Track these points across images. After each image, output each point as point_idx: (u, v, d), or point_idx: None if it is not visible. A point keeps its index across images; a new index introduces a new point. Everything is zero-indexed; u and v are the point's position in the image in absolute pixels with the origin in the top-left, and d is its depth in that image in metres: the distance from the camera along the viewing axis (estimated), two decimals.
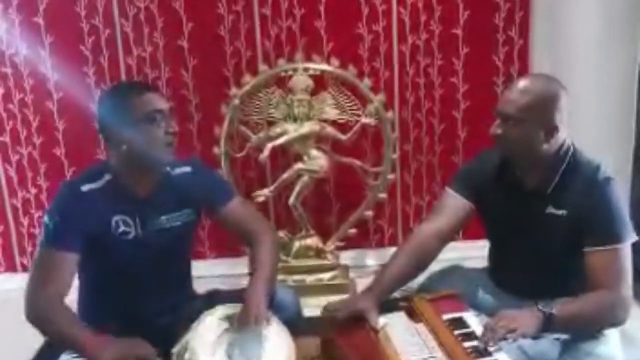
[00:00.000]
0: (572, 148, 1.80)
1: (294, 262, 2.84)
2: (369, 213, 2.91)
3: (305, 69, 2.69)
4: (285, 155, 2.90)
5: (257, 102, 2.73)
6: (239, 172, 2.98)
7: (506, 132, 1.75)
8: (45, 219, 1.71)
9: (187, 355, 1.60)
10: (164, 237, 1.82)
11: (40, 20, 2.82)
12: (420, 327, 1.71)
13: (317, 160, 2.72)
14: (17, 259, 3.09)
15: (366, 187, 2.92)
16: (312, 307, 2.16)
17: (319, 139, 2.75)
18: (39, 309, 1.66)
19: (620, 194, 1.80)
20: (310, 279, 2.81)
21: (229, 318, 1.69)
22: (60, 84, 2.89)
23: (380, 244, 3.17)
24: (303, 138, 2.70)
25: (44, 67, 2.87)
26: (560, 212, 1.78)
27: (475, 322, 1.71)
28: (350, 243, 3.03)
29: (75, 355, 1.68)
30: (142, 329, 1.71)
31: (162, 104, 1.75)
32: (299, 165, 2.75)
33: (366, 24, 2.89)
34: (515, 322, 1.61)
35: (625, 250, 1.73)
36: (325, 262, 2.85)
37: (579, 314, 1.69)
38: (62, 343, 1.69)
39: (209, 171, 2.01)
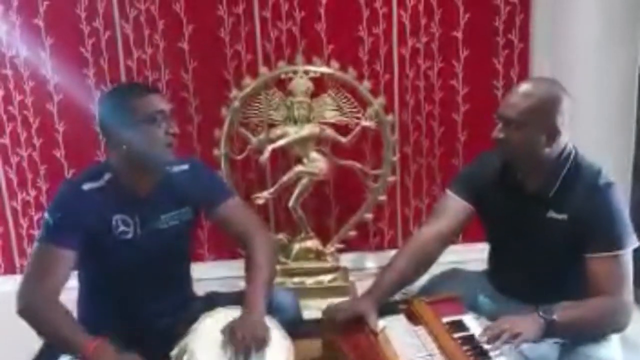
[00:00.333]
0: (573, 152, 1.80)
1: (293, 265, 2.84)
2: (369, 215, 2.91)
3: (306, 72, 2.69)
4: (285, 158, 2.90)
5: (257, 105, 2.73)
6: (239, 174, 2.98)
7: (508, 136, 1.75)
8: (46, 215, 1.72)
9: (186, 357, 1.60)
10: (162, 237, 1.82)
11: (41, 22, 2.82)
12: (420, 330, 1.71)
13: (317, 163, 2.72)
14: (17, 261, 3.09)
15: (366, 189, 2.92)
16: (311, 309, 2.16)
17: (319, 142, 2.75)
18: (34, 305, 1.66)
19: (622, 199, 1.80)
20: (309, 281, 2.81)
21: (229, 328, 1.67)
22: (60, 86, 2.89)
23: (380, 247, 3.17)
24: (303, 140, 2.70)
25: (44, 69, 2.87)
26: (561, 216, 1.77)
27: (474, 325, 1.71)
28: (350, 245, 3.03)
29: (73, 358, 1.68)
30: (142, 330, 1.72)
31: (163, 105, 1.76)
32: (299, 168, 2.75)
33: (366, 27, 2.89)
34: (517, 328, 1.61)
35: (627, 256, 1.73)
36: (325, 264, 2.85)
37: (580, 320, 1.69)
38: (56, 342, 1.68)
39: (207, 169, 2.01)
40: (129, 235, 1.77)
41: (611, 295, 1.70)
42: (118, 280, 1.78)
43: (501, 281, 1.97)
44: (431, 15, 2.90)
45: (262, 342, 1.62)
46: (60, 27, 2.83)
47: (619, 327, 1.75)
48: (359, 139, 2.80)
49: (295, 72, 2.69)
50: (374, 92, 2.75)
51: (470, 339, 1.65)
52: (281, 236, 2.90)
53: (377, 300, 1.78)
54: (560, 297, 1.74)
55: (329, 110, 2.74)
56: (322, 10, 2.86)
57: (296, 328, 1.83)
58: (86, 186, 1.73)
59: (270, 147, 2.67)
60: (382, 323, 1.72)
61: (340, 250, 2.94)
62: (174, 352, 1.65)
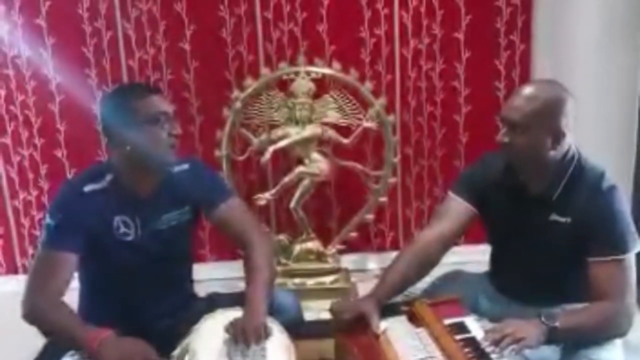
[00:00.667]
0: (577, 154, 1.80)
1: (294, 266, 2.84)
2: (370, 216, 2.91)
3: (307, 73, 2.68)
4: (286, 159, 2.89)
5: (259, 105, 2.73)
6: (241, 175, 2.98)
7: (513, 140, 1.74)
8: (47, 219, 1.71)
9: (187, 358, 1.60)
10: (163, 238, 1.82)
11: (43, 22, 2.82)
12: (421, 331, 1.71)
13: (319, 164, 2.72)
14: (18, 261, 3.09)
15: (367, 190, 2.92)
16: (312, 310, 2.17)
17: (321, 143, 2.75)
18: (39, 309, 1.67)
19: (625, 202, 1.79)
20: (311, 282, 2.81)
21: (230, 323, 1.67)
22: (62, 86, 2.89)
23: (382, 248, 3.17)
24: (304, 141, 2.70)
25: (46, 69, 2.87)
26: (564, 219, 1.77)
27: (476, 327, 1.71)
28: (351, 246, 3.03)
29: (77, 356, 1.68)
30: (143, 331, 1.71)
31: (167, 107, 1.76)
32: (300, 169, 2.74)
33: (368, 28, 2.89)
34: (521, 332, 1.61)
35: (630, 259, 1.73)
36: (326, 265, 2.85)
37: (582, 326, 1.69)
38: (66, 342, 1.68)
39: (208, 169, 2.01)
40: (130, 237, 1.77)
41: (613, 300, 1.70)
42: (119, 281, 1.78)
43: (503, 283, 1.97)
44: (433, 17, 2.90)
45: (262, 344, 1.62)
46: (62, 27, 2.84)
47: (620, 332, 1.74)
48: (361, 140, 2.80)
49: (296, 73, 2.69)
50: (376, 93, 2.75)
51: (471, 341, 1.65)
52: (282, 237, 2.90)
53: (379, 302, 1.78)
54: (562, 299, 1.74)
55: (331, 111, 2.74)
56: (323, 11, 2.86)
57: (297, 329, 1.83)
58: (87, 188, 1.73)
59: (271, 148, 2.67)
60: (383, 324, 1.72)
61: (341, 252, 2.94)
62: (175, 353, 1.65)
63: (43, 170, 3.00)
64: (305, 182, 2.75)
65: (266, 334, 1.65)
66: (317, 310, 2.43)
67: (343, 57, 2.79)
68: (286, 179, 2.77)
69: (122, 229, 1.77)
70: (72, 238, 1.69)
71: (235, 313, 1.71)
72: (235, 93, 2.72)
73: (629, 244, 1.73)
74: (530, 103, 1.72)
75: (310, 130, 2.69)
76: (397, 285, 1.84)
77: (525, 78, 2.96)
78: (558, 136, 1.73)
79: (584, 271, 1.73)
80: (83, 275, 1.84)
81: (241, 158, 2.82)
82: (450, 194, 1.97)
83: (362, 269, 3.10)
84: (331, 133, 2.72)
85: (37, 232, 3.00)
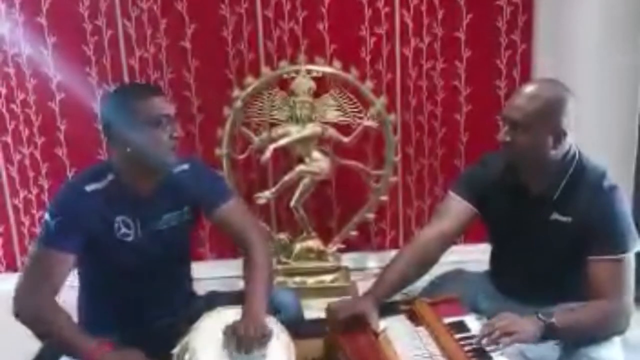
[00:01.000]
0: (578, 153, 1.80)
1: (295, 264, 2.84)
2: (371, 215, 2.91)
3: (308, 71, 2.68)
4: (287, 157, 2.89)
5: (260, 104, 2.73)
6: (241, 174, 2.98)
7: (515, 139, 1.74)
8: (47, 217, 1.70)
9: (187, 356, 1.60)
10: (163, 238, 1.82)
11: (43, 21, 2.82)
12: (421, 330, 1.71)
13: (319, 162, 2.72)
14: (18, 259, 3.09)
15: (368, 189, 2.92)
16: (312, 309, 2.16)
17: (321, 141, 2.75)
18: (33, 308, 1.66)
19: (626, 202, 1.79)
20: (311, 281, 2.81)
21: (229, 327, 1.67)
22: (62, 85, 2.89)
23: (382, 247, 3.17)
24: (305, 140, 2.70)
25: (47, 67, 2.87)
26: (565, 218, 1.77)
27: (476, 326, 1.71)
28: (351, 245, 3.03)
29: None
30: (143, 329, 1.72)
31: (168, 109, 1.76)
32: (300, 167, 2.74)
33: (369, 27, 2.89)
34: (514, 326, 1.61)
35: (629, 259, 1.73)
36: (327, 264, 2.85)
37: (579, 324, 1.69)
38: (58, 345, 1.68)
39: (207, 169, 2.01)
40: (130, 237, 1.77)
41: (611, 299, 1.70)
42: (119, 281, 1.78)
43: (503, 282, 1.97)
44: (434, 16, 2.90)
45: (263, 342, 1.62)
46: (62, 26, 2.84)
47: (617, 331, 1.75)
48: (361, 139, 2.80)
49: (297, 72, 2.69)
50: (376, 92, 2.75)
51: (471, 340, 1.65)
52: (283, 236, 2.90)
53: (378, 300, 1.78)
54: (562, 299, 1.74)
55: (331, 109, 2.74)
56: (324, 10, 2.86)
57: (298, 328, 1.83)
58: (89, 187, 1.72)
59: (272, 147, 2.67)
60: (383, 323, 1.72)
61: (341, 250, 2.94)
62: (175, 351, 1.65)
63: (43, 168, 3.00)
64: (306, 180, 2.75)
65: (266, 335, 1.64)
66: (317, 309, 2.43)
67: (344, 56, 2.79)
68: (286, 178, 2.77)
69: (123, 229, 1.76)
70: (71, 238, 1.68)
71: (235, 311, 1.71)
72: (236, 92, 2.72)
73: (628, 243, 1.73)
74: (531, 102, 1.72)
75: (310, 129, 2.69)
76: (396, 283, 1.84)
77: (526, 77, 2.95)
78: (559, 135, 1.73)
79: (584, 271, 1.73)
80: (83, 274, 1.84)
81: (242, 157, 2.82)
82: (451, 193, 1.97)
83: (363, 267, 3.10)
84: (332, 132, 2.72)
85: (38, 230, 3.00)
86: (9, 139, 2.96)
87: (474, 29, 2.91)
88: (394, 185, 2.92)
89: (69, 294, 1.73)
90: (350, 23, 2.88)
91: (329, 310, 1.82)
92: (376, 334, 1.69)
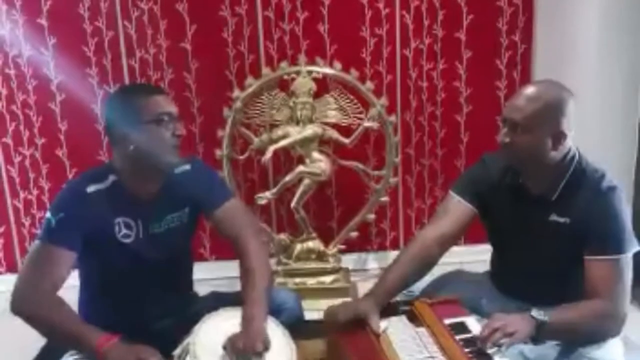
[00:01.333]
0: (577, 155, 1.80)
1: (295, 265, 2.84)
2: (371, 216, 2.91)
3: (308, 72, 2.69)
4: (287, 158, 2.90)
5: (260, 105, 2.73)
6: (241, 175, 2.98)
7: (514, 141, 1.74)
8: (48, 214, 1.70)
9: (188, 358, 1.60)
10: (164, 239, 1.82)
11: (44, 22, 2.83)
12: (422, 331, 1.71)
13: (319, 163, 2.72)
14: (19, 260, 3.09)
15: (368, 190, 2.92)
16: (313, 310, 2.16)
17: (321, 142, 2.75)
18: (32, 303, 1.65)
19: (625, 203, 1.79)
20: (311, 281, 2.81)
21: (229, 340, 1.66)
22: (63, 85, 2.89)
23: (382, 248, 3.17)
24: (305, 141, 2.70)
25: (47, 68, 2.87)
26: (564, 219, 1.77)
27: (476, 327, 1.71)
28: (352, 246, 3.03)
29: (77, 355, 1.68)
30: (144, 331, 1.71)
31: (171, 107, 1.76)
32: (301, 168, 2.74)
33: (369, 28, 2.90)
34: (511, 327, 1.61)
35: (626, 260, 1.72)
36: (327, 265, 2.85)
37: (572, 323, 1.69)
38: (61, 338, 1.68)
39: (208, 170, 2.00)
40: (131, 238, 1.77)
41: (605, 299, 1.69)
42: (119, 282, 1.77)
43: (504, 282, 1.97)
44: (434, 17, 2.90)
45: (263, 350, 1.62)
46: (63, 27, 2.84)
47: (611, 334, 1.74)
48: (361, 140, 2.80)
49: (297, 73, 2.69)
50: (377, 93, 2.75)
51: (472, 341, 1.65)
52: (283, 236, 2.90)
53: (378, 301, 1.78)
54: (562, 299, 1.74)
55: (332, 110, 2.74)
56: (324, 11, 2.86)
57: (298, 328, 1.83)
58: (91, 188, 1.72)
59: (272, 148, 2.67)
60: (383, 324, 1.72)
61: (342, 251, 2.94)
62: (176, 352, 1.65)
63: (44, 169, 3.00)
64: (306, 181, 2.75)
65: (266, 346, 1.63)
66: (317, 310, 2.43)
67: (344, 57, 2.79)
68: (287, 179, 2.77)
69: (124, 231, 1.76)
70: (71, 236, 1.68)
71: (236, 312, 1.71)
72: (236, 92, 2.72)
73: (625, 244, 1.73)
74: (531, 104, 1.72)
75: (311, 130, 2.69)
76: (397, 284, 1.84)
77: (526, 78, 2.96)
78: (559, 137, 1.73)
79: (584, 271, 1.73)
80: (83, 275, 1.84)
81: (242, 157, 2.82)
82: (451, 193, 1.97)
83: (363, 268, 3.11)
84: (332, 133, 2.72)
85: (38, 231, 3.00)
86: (9, 140, 2.96)
87: (475, 30, 2.92)
88: (394, 186, 2.92)
89: (69, 294, 1.72)
90: (351, 24, 2.89)
91: (328, 312, 1.82)
92: (377, 335, 1.69)
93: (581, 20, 2.70)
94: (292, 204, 2.80)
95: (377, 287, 1.84)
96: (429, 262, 1.89)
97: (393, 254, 2.04)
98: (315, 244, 2.86)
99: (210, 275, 2.68)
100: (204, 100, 2.94)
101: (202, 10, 2.85)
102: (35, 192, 3.03)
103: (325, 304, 1.92)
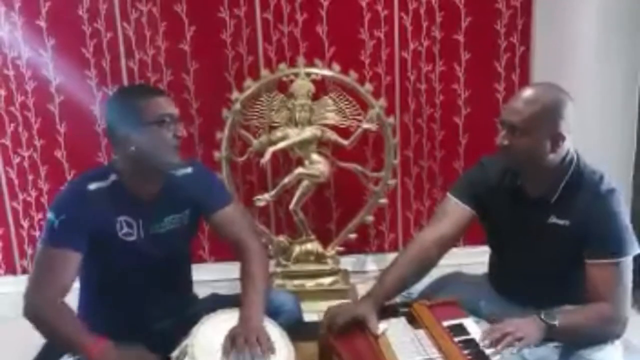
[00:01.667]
0: (576, 157, 1.80)
1: (294, 267, 2.84)
2: (370, 218, 2.91)
3: (307, 74, 2.69)
4: (286, 160, 2.90)
5: (259, 107, 2.73)
6: (240, 177, 2.98)
7: (512, 143, 1.74)
8: (50, 216, 1.70)
9: (186, 359, 1.60)
10: (164, 240, 1.82)
11: (43, 23, 2.83)
12: (420, 333, 1.71)
13: (318, 165, 2.72)
14: (17, 262, 3.09)
15: (367, 192, 2.92)
16: (312, 311, 2.16)
17: (320, 144, 2.75)
18: (40, 308, 1.66)
19: (624, 206, 1.79)
20: (310, 283, 2.81)
21: (228, 337, 1.66)
22: (61, 87, 2.90)
23: (381, 249, 3.17)
24: (304, 143, 2.70)
25: (46, 70, 2.87)
26: (563, 222, 1.77)
27: (475, 329, 1.71)
28: (350, 248, 3.03)
29: (76, 358, 1.68)
30: (142, 331, 1.71)
31: (172, 108, 1.76)
32: (299, 170, 2.75)
33: (368, 30, 2.90)
34: (521, 331, 1.61)
35: (626, 263, 1.73)
36: (326, 267, 2.85)
37: (579, 326, 1.69)
38: (63, 345, 1.68)
39: (209, 174, 2.01)
40: (133, 238, 1.77)
41: (608, 302, 1.70)
42: (119, 282, 1.78)
43: (502, 285, 1.97)
44: (433, 19, 2.90)
45: (262, 348, 1.62)
46: (62, 28, 2.84)
47: (614, 335, 1.74)
48: (360, 142, 2.80)
49: (296, 75, 2.69)
50: (375, 95, 2.75)
51: (470, 343, 1.65)
52: (282, 238, 2.90)
53: (377, 303, 1.78)
54: (561, 301, 1.74)
55: (330, 112, 2.74)
56: (323, 13, 2.87)
57: (297, 330, 1.82)
58: (92, 186, 1.72)
59: (271, 150, 2.67)
60: (382, 326, 1.72)
61: (340, 253, 2.94)
62: (174, 354, 1.65)
63: (43, 171, 3.00)
64: (305, 183, 2.76)
65: (266, 344, 1.63)
66: (316, 312, 2.43)
67: (343, 59, 2.80)
68: (286, 180, 2.78)
69: (125, 230, 1.76)
70: (75, 236, 1.68)
71: (235, 314, 1.71)
72: (235, 94, 2.72)
73: (626, 247, 1.73)
74: (529, 106, 1.72)
75: (309, 132, 2.69)
76: (395, 286, 1.84)
77: (524, 80, 2.96)
78: (557, 139, 1.73)
79: (583, 273, 1.73)
80: (83, 275, 1.83)
81: (241, 159, 2.82)
82: (449, 196, 1.96)
83: (362, 270, 3.11)
84: (331, 134, 2.73)
85: (37, 233, 3.01)
86: (8, 142, 2.96)
87: (473, 32, 2.92)
88: (393, 187, 2.93)
89: (69, 295, 1.72)
90: (350, 26, 2.89)
91: (326, 314, 1.82)
92: (375, 337, 1.69)
93: (580, 22, 2.70)
94: (291, 206, 2.80)
95: (375, 289, 1.84)
96: (427, 264, 1.89)
97: (392, 256, 2.03)
98: (314, 245, 2.86)
99: (209, 277, 2.68)
100: (202, 102, 2.94)
101: (201, 12, 2.85)
102: (34, 193, 3.03)
103: (324, 305, 1.92)
